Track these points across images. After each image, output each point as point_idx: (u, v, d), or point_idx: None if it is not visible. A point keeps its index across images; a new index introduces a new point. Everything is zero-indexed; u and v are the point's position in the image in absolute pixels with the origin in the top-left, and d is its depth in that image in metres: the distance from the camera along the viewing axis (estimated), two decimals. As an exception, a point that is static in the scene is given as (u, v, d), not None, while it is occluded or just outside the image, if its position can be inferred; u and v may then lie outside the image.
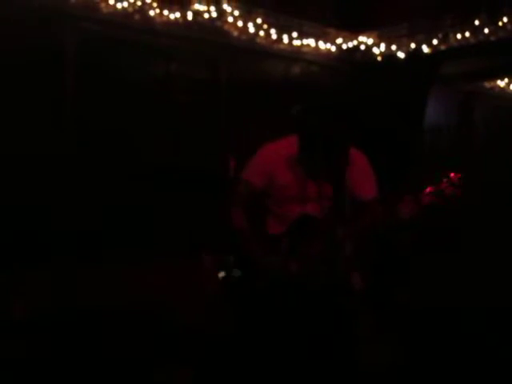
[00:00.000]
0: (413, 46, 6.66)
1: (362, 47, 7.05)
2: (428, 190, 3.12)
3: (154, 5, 5.70)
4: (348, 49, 7.06)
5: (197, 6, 5.91)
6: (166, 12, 5.77)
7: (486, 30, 5.97)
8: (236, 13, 6.15)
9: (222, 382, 3.81)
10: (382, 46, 6.93)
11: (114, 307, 4.64)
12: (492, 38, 5.98)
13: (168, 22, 5.80)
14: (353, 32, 7.02)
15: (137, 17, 5.66)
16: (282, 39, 6.55)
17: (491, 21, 5.90)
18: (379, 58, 6.99)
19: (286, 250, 3.27)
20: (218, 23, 6.11)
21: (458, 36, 6.20)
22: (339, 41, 7.00)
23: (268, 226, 3.46)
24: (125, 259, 5.08)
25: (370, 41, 7.00)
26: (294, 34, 6.59)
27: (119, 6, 5.54)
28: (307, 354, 3.27)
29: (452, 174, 3.09)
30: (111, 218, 5.45)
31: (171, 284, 4.95)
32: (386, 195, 3.34)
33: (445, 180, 3.12)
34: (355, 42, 7.05)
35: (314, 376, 3.29)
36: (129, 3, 5.58)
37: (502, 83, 8.34)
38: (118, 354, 4.24)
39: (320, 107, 3.31)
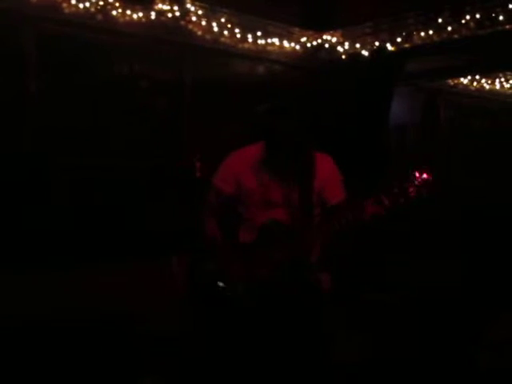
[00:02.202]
0: (377, 44, 6.68)
1: (327, 46, 7.04)
2: (392, 190, 3.09)
3: (117, 4, 5.62)
4: (312, 47, 7.05)
5: (160, 6, 5.85)
6: (128, 12, 5.70)
7: (449, 28, 6.00)
8: (200, 12, 6.10)
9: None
10: (347, 45, 6.94)
11: (78, 313, 4.57)
12: (455, 36, 6.02)
13: (131, 21, 5.72)
14: (317, 31, 7.01)
15: (99, 17, 5.58)
16: (246, 39, 6.51)
17: (454, 19, 5.93)
18: (343, 57, 7.00)
19: (254, 256, 3.26)
20: (182, 23, 6.05)
21: (422, 34, 6.23)
22: (303, 40, 6.98)
23: (240, 234, 3.47)
24: (89, 262, 5.02)
25: (335, 39, 7.00)
26: (259, 34, 6.56)
27: (81, 6, 5.44)
28: (279, 354, 3.28)
29: (417, 174, 3.07)
30: (74, 219, 5.37)
31: (138, 288, 4.90)
32: (351, 196, 3.34)
33: (409, 179, 3.08)
34: (319, 41, 7.04)
35: (286, 376, 3.30)
36: (91, 3, 5.49)
37: (465, 81, 8.41)
38: (85, 365, 4.19)
39: (285, 107, 3.33)
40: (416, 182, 3.06)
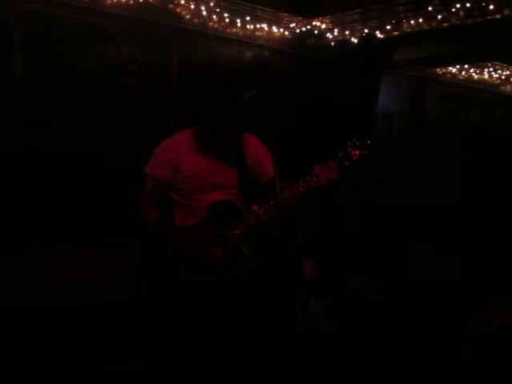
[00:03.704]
0: (366, 31, 6.64)
1: (316, 32, 7.00)
2: (338, 155, 3.40)
3: (104, -14, 5.56)
4: (301, 33, 7.00)
5: (147, -12, 5.78)
6: (116, -7, 5.63)
7: (439, 17, 5.97)
8: (188, -5, 6.05)
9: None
10: (336, 31, 6.90)
11: (58, 298, 4.56)
12: (445, 25, 5.99)
13: (118, 3, 5.63)
14: (306, 17, 6.96)
15: (86, -2, 5.51)
16: (235, 23, 6.45)
17: (444, 7, 5.90)
18: (332, 44, 6.96)
19: (207, 236, 3.32)
20: (170, 6, 5.99)
21: (412, 22, 6.20)
22: (292, 25, 6.93)
23: (175, 219, 3.53)
24: (64, 248, 5.00)
25: (324, 26, 6.96)
26: (247, 18, 6.49)
27: (67, -14, 5.38)
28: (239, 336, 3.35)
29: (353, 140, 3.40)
30: (53, 205, 5.33)
31: (115, 272, 4.88)
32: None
33: (348, 144, 3.40)
34: (309, 27, 6.99)
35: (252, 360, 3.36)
36: (77, -16, 5.42)
37: (453, 70, 8.40)
38: (71, 348, 4.18)
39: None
40: (354, 145, 3.40)
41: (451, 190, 6.83)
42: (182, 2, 6.01)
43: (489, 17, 5.68)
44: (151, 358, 4.07)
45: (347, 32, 6.81)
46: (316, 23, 6.97)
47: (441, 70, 8.29)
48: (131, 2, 5.69)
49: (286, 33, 6.93)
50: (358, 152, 3.36)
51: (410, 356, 4.33)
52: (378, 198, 6.53)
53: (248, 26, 6.57)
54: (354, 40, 6.77)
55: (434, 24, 6.08)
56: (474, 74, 8.61)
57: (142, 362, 4.17)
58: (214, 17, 6.27)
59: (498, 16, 5.63)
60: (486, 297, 4.62)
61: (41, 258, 4.87)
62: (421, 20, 6.13)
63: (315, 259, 4.62)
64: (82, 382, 4.01)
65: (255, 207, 3.36)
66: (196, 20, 6.18)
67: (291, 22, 6.91)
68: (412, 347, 4.44)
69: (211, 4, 6.17)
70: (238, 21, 6.45)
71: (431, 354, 4.28)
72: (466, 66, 8.41)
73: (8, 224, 5.03)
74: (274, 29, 6.79)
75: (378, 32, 6.56)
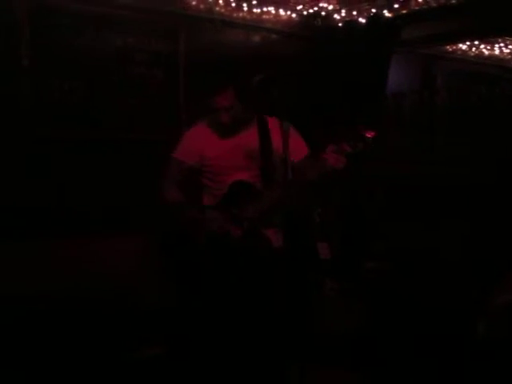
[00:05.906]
0: (373, 10, 6.60)
1: (323, 13, 6.94)
2: (350, 137, 3.36)
3: (109, -25, 5.54)
4: (308, 15, 6.95)
5: (153, -25, 5.76)
6: (121, -18, 5.61)
7: (447, -7, 5.94)
8: (193, -19, 6.02)
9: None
10: (343, 12, 6.85)
11: (66, 290, 4.57)
12: (453, 1, 5.96)
13: (124, -8, 5.64)
14: (313, -2, 6.92)
15: (92, -12, 5.50)
16: (241, 7, 6.41)
17: (452, -17, 5.87)
18: (340, 24, 6.92)
19: (225, 216, 3.35)
20: (176, -8, 5.98)
21: (419, -1, 6.17)
22: (299, 7, 6.87)
23: (203, 201, 3.59)
24: (74, 237, 5.02)
25: (331, 7, 6.89)
26: (254, 2, 6.44)
27: (73, -23, 5.37)
28: (256, 319, 3.37)
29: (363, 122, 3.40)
30: (60, 194, 5.35)
31: (127, 262, 4.90)
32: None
33: (359, 126, 3.37)
34: (316, 9, 6.93)
35: (268, 343, 3.37)
36: (83, -26, 5.41)
37: (463, 47, 8.33)
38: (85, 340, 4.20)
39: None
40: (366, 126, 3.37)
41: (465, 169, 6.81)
42: (188, -12, 5.99)
43: (497, -9, 5.65)
44: (170, 343, 4.09)
45: (355, 12, 6.76)
46: (323, 4, 6.89)
47: (450, 47, 8.23)
48: (137, -10, 5.68)
49: (294, 15, 6.88)
50: (368, 134, 3.33)
51: (427, 333, 4.33)
52: (390, 176, 6.50)
53: (255, 10, 6.52)
54: (362, 20, 6.73)
55: (441, 0, 6.04)
56: (484, 50, 8.53)
57: (161, 347, 4.20)
58: (220, 1, 6.23)
59: (506, -10, 5.59)
60: (505, 272, 4.60)
61: (44, 245, 4.89)
62: (428, -3, 6.10)
63: (330, 241, 4.61)
64: (100, 369, 4.03)
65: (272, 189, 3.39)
66: (202, 6, 6.14)
67: (298, 4, 6.83)
68: (429, 324, 4.44)
69: (217, -12, 6.15)
70: (245, 5, 6.40)
71: (448, 331, 4.27)
72: (476, 43, 8.34)
73: (15, 213, 5.05)
74: (281, 11, 6.75)
75: (385, 11, 6.52)
